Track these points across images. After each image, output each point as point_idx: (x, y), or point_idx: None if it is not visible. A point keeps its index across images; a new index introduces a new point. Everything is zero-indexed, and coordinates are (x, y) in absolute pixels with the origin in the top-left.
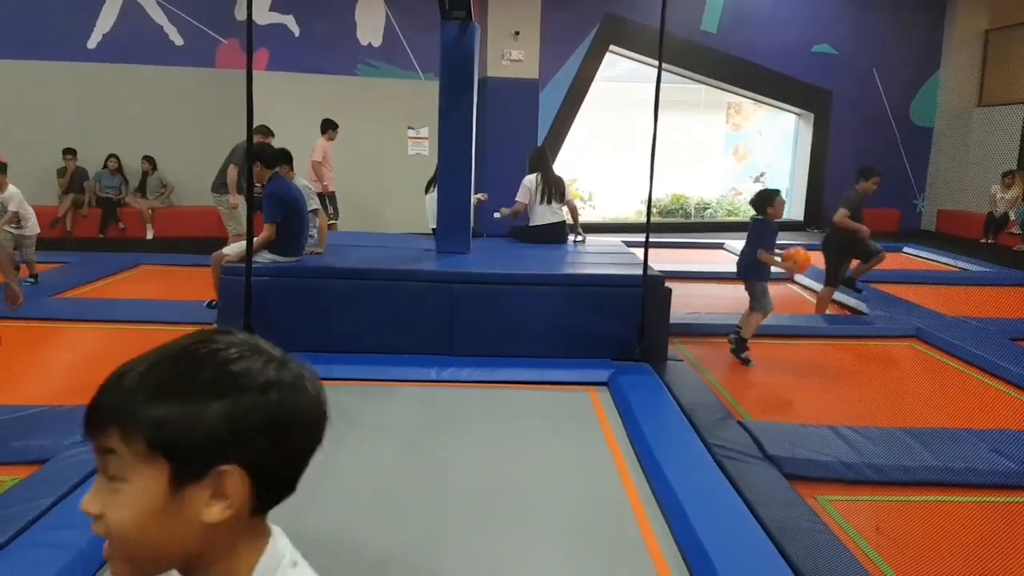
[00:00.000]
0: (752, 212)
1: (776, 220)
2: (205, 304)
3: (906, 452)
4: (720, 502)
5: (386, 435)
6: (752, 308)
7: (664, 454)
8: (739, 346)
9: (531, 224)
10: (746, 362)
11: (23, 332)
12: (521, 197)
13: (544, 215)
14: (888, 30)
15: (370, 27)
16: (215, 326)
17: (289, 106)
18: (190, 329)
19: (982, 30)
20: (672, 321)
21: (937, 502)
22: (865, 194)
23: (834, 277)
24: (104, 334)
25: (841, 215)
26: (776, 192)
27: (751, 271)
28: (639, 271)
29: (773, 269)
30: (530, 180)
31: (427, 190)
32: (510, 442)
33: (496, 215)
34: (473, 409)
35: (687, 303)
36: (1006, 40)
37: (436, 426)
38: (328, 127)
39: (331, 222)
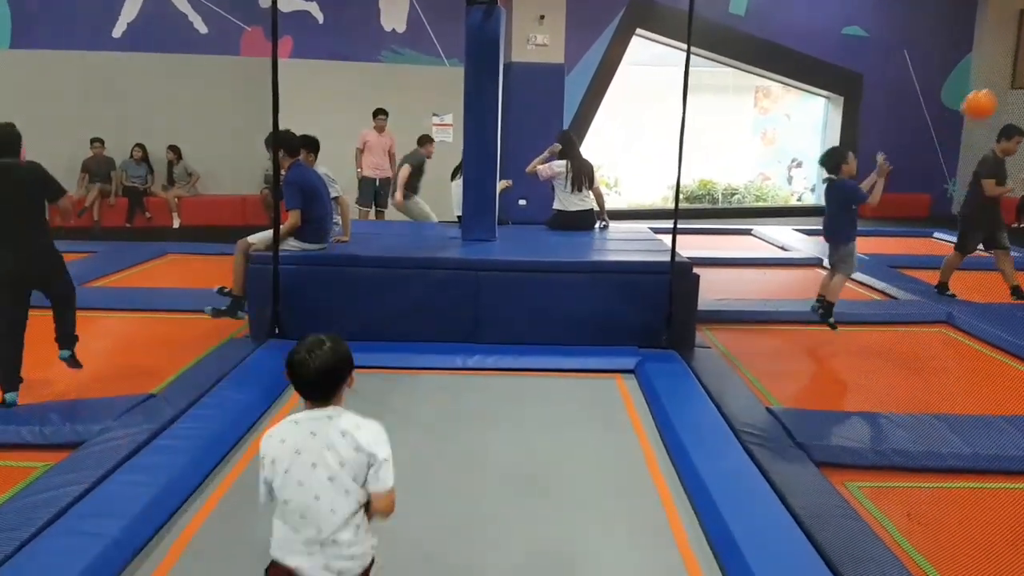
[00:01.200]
0: (824, 173)
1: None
2: (216, 290)
3: (937, 439)
4: (749, 489)
5: (413, 423)
6: (836, 270)
7: (692, 441)
8: (827, 311)
9: (558, 210)
10: (833, 327)
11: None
12: (543, 167)
13: (571, 202)
14: (920, 11)
15: (394, 13)
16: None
17: (313, 93)
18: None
19: (1016, 10)
20: (699, 308)
21: (968, 489)
22: (1006, 155)
23: (965, 245)
24: (132, 322)
25: (991, 187)
26: (847, 150)
27: (840, 233)
28: (666, 257)
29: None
30: (560, 165)
31: (452, 177)
32: (537, 430)
33: (521, 203)
34: (499, 397)
35: (715, 290)
36: None
37: (462, 414)
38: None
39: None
